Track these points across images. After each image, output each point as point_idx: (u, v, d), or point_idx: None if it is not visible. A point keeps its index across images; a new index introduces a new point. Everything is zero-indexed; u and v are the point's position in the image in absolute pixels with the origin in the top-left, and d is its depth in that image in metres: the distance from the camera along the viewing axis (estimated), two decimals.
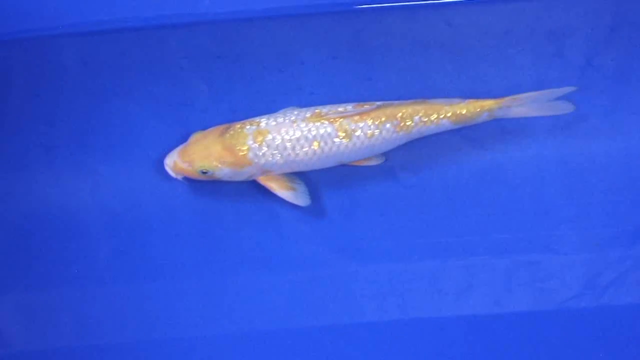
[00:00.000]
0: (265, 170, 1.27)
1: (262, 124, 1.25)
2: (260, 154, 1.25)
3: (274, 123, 1.25)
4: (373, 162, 1.31)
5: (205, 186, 1.32)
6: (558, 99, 1.29)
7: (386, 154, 1.31)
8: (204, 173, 1.26)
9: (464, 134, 1.34)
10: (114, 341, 1.32)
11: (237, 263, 1.35)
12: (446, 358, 1.32)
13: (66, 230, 1.32)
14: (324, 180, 1.35)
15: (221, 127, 1.27)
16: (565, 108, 1.29)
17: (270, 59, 1.35)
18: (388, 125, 1.26)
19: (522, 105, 1.28)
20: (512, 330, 1.33)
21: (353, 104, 1.27)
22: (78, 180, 1.35)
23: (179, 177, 1.28)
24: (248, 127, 1.25)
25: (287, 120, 1.25)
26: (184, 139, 1.30)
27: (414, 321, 1.33)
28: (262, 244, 1.35)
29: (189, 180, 1.29)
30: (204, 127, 1.30)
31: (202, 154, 1.25)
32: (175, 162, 1.27)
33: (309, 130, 1.25)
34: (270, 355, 1.32)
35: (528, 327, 1.33)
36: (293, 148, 1.25)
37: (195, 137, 1.28)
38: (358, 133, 1.25)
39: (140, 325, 1.33)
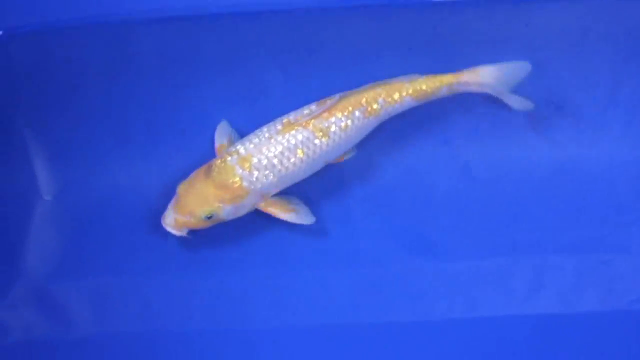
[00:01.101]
0: (264, 194, 1.26)
1: (242, 151, 1.24)
2: (254, 179, 1.24)
3: (252, 146, 1.24)
4: (348, 156, 1.31)
5: None
6: (524, 96, 1.29)
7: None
8: (209, 218, 1.25)
9: (538, 129, 1.33)
10: (179, 329, 1.31)
11: (305, 257, 1.34)
12: (514, 357, 1.30)
13: (136, 217, 1.31)
14: (396, 172, 1.33)
15: (202, 169, 1.25)
16: (525, 105, 1.30)
17: (343, 50, 1.33)
18: (357, 113, 1.27)
19: (481, 81, 1.28)
20: (581, 330, 1.32)
21: (315, 103, 1.27)
22: (149, 167, 1.34)
23: (184, 233, 1.26)
24: (229, 158, 1.24)
25: (263, 139, 1.25)
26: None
27: (482, 320, 1.32)
28: (331, 238, 1.33)
29: (194, 233, 1.27)
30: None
31: (198, 201, 1.24)
32: (176, 219, 1.25)
33: (288, 141, 1.24)
34: (338, 350, 1.31)
35: (597, 327, 1.32)
36: (281, 162, 1.24)
37: (182, 189, 1.25)
38: (333, 129, 1.26)
39: (204, 315, 1.33)
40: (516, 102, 1.29)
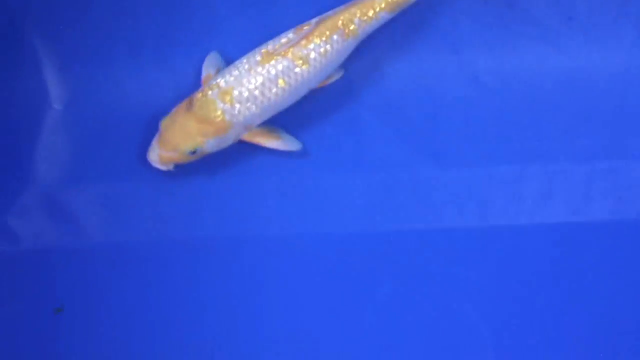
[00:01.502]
0: (247, 126, 1.26)
1: (222, 84, 1.23)
2: (236, 112, 1.24)
3: (232, 78, 1.24)
4: (335, 78, 1.31)
5: None
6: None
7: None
8: (193, 153, 1.24)
9: (548, 39, 1.33)
10: (189, 235, 1.31)
11: (317, 163, 1.34)
12: (524, 265, 1.31)
13: (146, 125, 1.31)
14: (405, 81, 1.33)
15: (184, 104, 1.25)
16: None
17: None
18: (335, 37, 1.26)
19: None
20: (590, 238, 1.32)
21: (291, 31, 1.26)
22: (161, 75, 1.34)
23: (170, 167, 1.26)
24: (210, 92, 1.24)
25: (242, 71, 1.24)
26: (269, 36, 1.28)
27: (492, 228, 1.32)
28: (341, 146, 1.33)
29: (180, 166, 1.27)
30: (292, 25, 1.27)
31: (182, 136, 1.23)
32: (160, 155, 1.25)
33: (268, 72, 1.24)
34: (345, 256, 1.31)
35: (606, 235, 1.32)
36: (262, 94, 1.24)
37: (165, 124, 1.25)
38: (313, 55, 1.25)
39: (215, 221, 1.33)
40: None
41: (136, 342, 1.26)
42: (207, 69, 1.31)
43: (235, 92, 1.23)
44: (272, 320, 1.29)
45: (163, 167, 1.26)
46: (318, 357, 1.28)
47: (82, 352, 1.26)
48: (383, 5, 1.27)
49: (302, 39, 1.24)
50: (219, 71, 1.29)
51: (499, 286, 1.30)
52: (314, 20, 1.26)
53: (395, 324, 1.28)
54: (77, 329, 1.26)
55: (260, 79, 1.23)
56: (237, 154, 1.33)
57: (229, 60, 1.30)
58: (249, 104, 1.23)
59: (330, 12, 1.27)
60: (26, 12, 1.36)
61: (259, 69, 1.24)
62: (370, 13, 1.27)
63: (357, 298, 1.29)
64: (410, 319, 1.28)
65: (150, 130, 1.31)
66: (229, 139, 1.26)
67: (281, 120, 1.30)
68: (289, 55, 1.24)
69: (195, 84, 1.32)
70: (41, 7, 1.35)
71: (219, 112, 1.22)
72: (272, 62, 1.24)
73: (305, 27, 1.26)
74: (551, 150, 1.33)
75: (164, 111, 1.29)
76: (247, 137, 1.27)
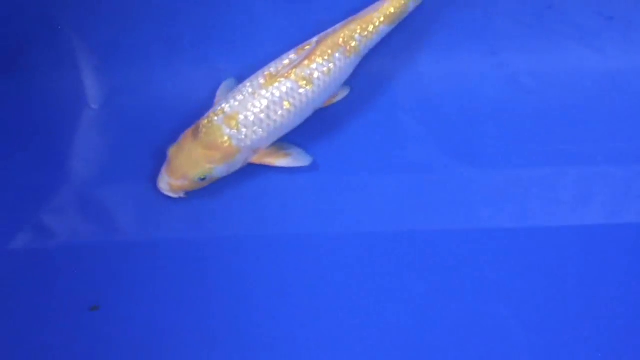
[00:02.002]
0: (255, 149, 1.25)
1: (227, 109, 1.23)
2: (243, 136, 1.23)
3: (237, 103, 1.23)
4: (341, 97, 1.31)
5: None
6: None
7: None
8: (203, 180, 1.24)
9: (587, 40, 1.31)
10: (225, 234, 1.31)
11: (353, 163, 1.34)
12: (560, 267, 1.29)
13: (182, 124, 1.31)
14: (443, 82, 1.32)
15: (190, 131, 1.24)
16: None
17: None
18: (337, 55, 1.26)
19: None
20: (627, 241, 1.30)
21: (293, 51, 1.26)
22: (197, 75, 1.34)
23: (181, 195, 1.26)
24: (216, 118, 1.23)
25: (247, 95, 1.23)
26: (305, 34, 1.28)
27: (528, 229, 1.31)
28: (377, 145, 1.32)
29: (190, 193, 1.27)
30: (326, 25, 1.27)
31: (190, 164, 1.23)
32: (170, 184, 1.24)
33: (272, 94, 1.23)
34: (380, 256, 1.30)
35: None
36: (268, 117, 1.23)
37: (173, 152, 1.24)
38: (316, 75, 1.25)
39: (250, 220, 1.33)
40: None
41: (170, 338, 1.26)
42: (221, 94, 1.30)
43: (241, 117, 1.22)
44: (301, 319, 1.28)
45: (174, 195, 1.25)
46: (350, 358, 1.27)
47: (117, 348, 1.26)
48: (382, 19, 1.27)
49: (304, 59, 1.24)
50: None
51: (533, 288, 1.29)
52: (314, 40, 1.26)
53: (428, 325, 1.27)
54: (111, 325, 1.26)
55: (265, 102, 1.23)
56: None
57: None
58: (255, 128, 1.23)
59: (330, 30, 1.27)
60: (64, 12, 1.37)
61: (263, 92, 1.23)
62: (371, 28, 1.27)
63: (391, 298, 1.28)
64: (444, 320, 1.28)
65: (185, 128, 1.30)
66: (237, 164, 1.25)
67: (315, 121, 1.28)
68: (292, 76, 1.24)
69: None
70: (79, 7, 1.36)
71: (225, 138, 1.22)
72: (276, 84, 1.23)
73: (307, 47, 1.25)
74: (589, 152, 1.31)
75: (200, 110, 1.29)
76: (256, 159, 1.27)
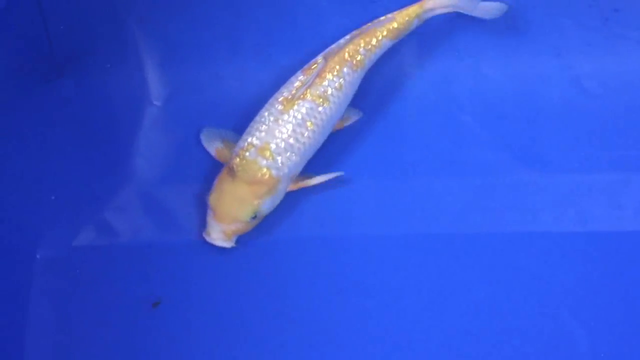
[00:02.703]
0: (292, 176, 1.25)
1: (256, 142, 1.22)
2: (280, 164, 1.22)
3: (263, 134, 1.23)
4: (354, 119, 1.32)
5: None
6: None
7: None
8: (254, 218, 1.22)
9: None
10: (289, 236, 1.31)
11: (416, 166, 1.34)
12: (623, 272, 1.29)
13: (246, 123, 1.30)
14: (506, 84, 1.32)
15: (224, 174, 1.23)
16: (499, 8, 1.31)
17: None
18: (346, 70, 1.26)
19: (446, 3, 1.30)
20: None
21: (300, 73, 1.26)
22: (261, 72, 1.34)
23: (233, 243, 1.24)
24: (247, 154, 1.22)
25: (270, 124, 1.23)
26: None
27: (590, 234, 1.30)
28: (440, 147, 1.32)
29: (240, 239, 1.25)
30: None
31: (237, 205, 1.22)
32: (223, 232, 1.22)
33: (295, 117, 1.23)
34: (442, 258, 1.30)
35: None
36: (297, 140, 1.23)
37: (214, 200, 1.23)
38: (330, 91, 1.25)
39: (310, 224, 1.32)
40: (490, 10, 1.31)
41: (228, 335, 1.26)
42: (211, 145, 1.29)
43: (272, 146, 1.22)
44: (368, 319, 1.28)
45: (227, 244, 1.23)
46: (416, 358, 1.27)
47: (179, 346, 1.26)
48: (385, 33, 1.28)
49: (315, 77, 1.24)
50: (225, 140, 1.28)
51: (596, 292, 1.28)
52: (319, 58, 1.26)
53: (490, 328, 1.27)
54: (173, 323, 1.26)
55: (290, 127, 1.23)
56: (332, 159, 1.33)
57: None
58: (288, 154, 1.23)
59: (334, 46, 1.27)
60: (129, 9, 1.37)
61: (285, 117, 1.23)
62: (374, 42, 1.27)
63: (452, 300, 1.28)
64: (505, 323, 1.27)
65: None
66: (280, 195, 1.24)
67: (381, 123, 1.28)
68: (308, 96, 1.24)
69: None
70: (144, 5, 1.36)
71: (264, 170, 1.21)
72: (295, 107, 1.23)
73: (314, 66, 1.26)
74: None
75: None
76: (293, 186, 1.26)
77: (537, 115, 1.33)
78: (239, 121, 1.32)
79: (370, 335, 1.26)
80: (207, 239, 1.23)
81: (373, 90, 1.36)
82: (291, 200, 1.30)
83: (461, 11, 1.31)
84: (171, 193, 1.32)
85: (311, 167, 1.29)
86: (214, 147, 1.28)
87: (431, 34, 1.37)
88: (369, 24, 1.29)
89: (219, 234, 1.22)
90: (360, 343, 1.26)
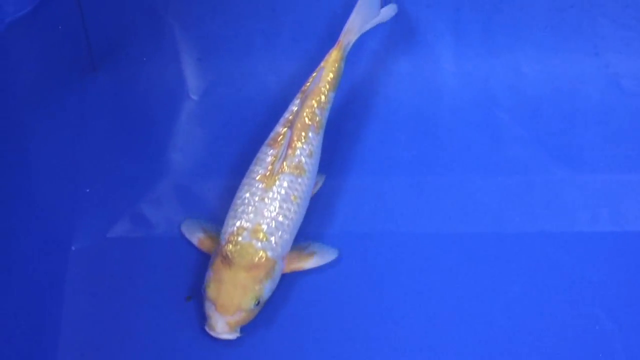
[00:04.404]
0: (284, 256, 1.21)
1: (246, 224, 1.17)
2: (274, 245, 1.18)
3: (252, 215, 1.19)
4: (320, 185, 1.30)
5: None
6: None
7: None
8: (257, 305, 1.17)
9: None
10: (323, 231, 1.29)
11: (451, 163, 1.34)
12: None
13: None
14: (542, 82, 1.31)
15: (218, 264, 1.17)
16: (392, 9, 1.33)
17: None
18: (311, 135, 1.24)
19: (357, 30, 1.29)
20: None
21: (268, 147, 1.24)
22: (297, 67, 1.34)
23: (238, 333, 1.18)
24: (240, 238, 1.18)
25: (256, 203, 1.19)
26: (407, 29, 1.29)
27: (626, 234, 1.30)
28: (476, 145, 1.32)
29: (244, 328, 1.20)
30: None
31: (239, 293, 1.16)
32: (227, 323, 1.15)
33: (279, 193, 1.20)
34: (476, 256, 1.29)
35: None
36: (285, 217, 1.19)
37: (213, 292, 1.16)
38: (304, 160, 1.22)
39: (348, 217, 1.32)
40: (387, 13, 1.33)
41: (263, 326, 1.26)
42: (193, 236, 1.26)
43: (264, 227, 1.17)
44: (400, 318, 1.27)
45: (232, 336, 1.17)
46: (445, 356, 1.26)
47: (211, 340, 1.26)
48: (328, 87, 1.27)
49: (287, 149, 1.21)
50: (205, 230, 1.25)
51: (632, 292, 1.27)
52: (281, 130, 1.24)
53: (524, 327, 1.26)
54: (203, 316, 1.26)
55: (277, 204, 1.19)
56: (366, 153, 1.33)
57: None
58: (280, 233, 1.19)
59: (287, 115, 1.25)
60: (166, 3, 1.37)
61: (270, 194, 1.20)
62: (323, 99, 1.26)
63: (486, 299, 1.27)
64: (540, 322, 1.26)
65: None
66: (277, 277, 1.20)
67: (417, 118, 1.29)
68: (286, 169, 1.21)
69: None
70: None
71: (261, 253, 1.16)
72: (277, 182, 1.20)
73: (280, 138, 1.23)
74: None
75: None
76: (286, 269, 1.22)
77: (574, 114, 1.33)
78: (276, 116, 1.31)
79: (402, 335, 1.25)
80: (212, 333, 1.17)
81: (409, 87, 1.36)
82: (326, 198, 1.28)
83: (372, 26, 1.31)
84: (206, 186, 1.32)
85: (343, 163, 1.30)
86: (196, 237, 1.25)
87: (468, 31, 1.37)
88: (308, 83, 1.27)
89: (224, 327, 1.15)
90: (392, 344, 1.25)
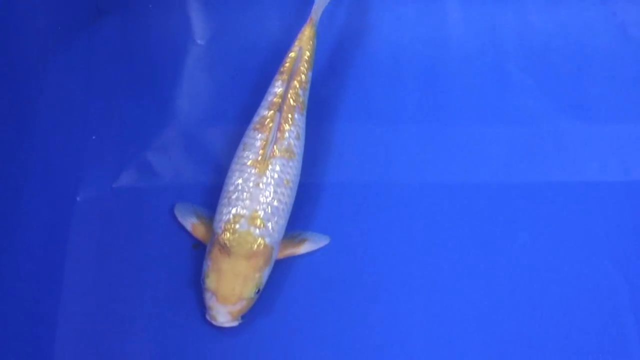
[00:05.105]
0: (279, 241, 1.19)
1: (243, 212, 1.15)
2: (271, 231, 1.16)
3: (248, 202, 1.16)
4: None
5: None
6: None
7: None
8: (257, 292, 1.14)
9: None
10: (332, 180, 1.29)
11: (459, 114, 1.33)
12: None
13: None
14: (549, 31, 1.31)
15: (216, 253, 1.14)
16: None
17: None
18: (297, 116, 1.23)
19: (323, 3, 1.29)
20: None
21: (255, 131, 1.22)
22: (304, 14, 1.32)
23: (240, 321, 1.15)
24: (237, 226, 1.15)
25: (251, 190, 1.17)
26: None
27: (634, 183, 1.31)
28: (485, 95, 1.31)
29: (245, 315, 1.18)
30: None
31: (240, 282, 1.13)
32: (230, 312, 1.13)
33: (272, 178, 1.18)
34: (483, 205, 1.30)
35: None
36: (280, 201, 1.18)
37: (213, 282, 1.14)
38: (293, 143, 1.21)
39: (353, 164, 1.31)
40: None
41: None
42: (187, 222, 1.23)
43: (261, 213, 1.15)
44: (408, 265, 1.27)
45: (235, 324, 1.14)
46: (452, 304, 1.26)
47: None
48: (307, 66, 1.26)
49: (277, 132, 1.19)
50: (199, 215, 1.23)
51: (639, 242, 1.28)
52: (268, 113, 1.22)
53: (532, 276, 1.26)
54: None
55: (271, 189, 1.17)
56: (380, 102, 1.31)
57: None
58: (276, 218, 1.17)
59: (270, 97, 1.24)
60: None
61: (264, 179, 1.17)
62: (304, 78, 1.25)
63: (493, 248, 1.27)
64: (546, 272, 1.26)
65: None
66: (273, 263, 1.18)
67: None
68: (277, 153, 1.19)
69: (335, 20, 1.32)
70: None
71: (259, 240, 1.14)
72: (270, 167, 1.18)
73: (267, 121, 1.21)
74: None
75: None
76: (280, 254, 1.20)
77: (582, 64, 1.33)
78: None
79: (409, 280, 1.25)
80: (214, 323, 1.13)
81: (415, 36, 1.34)
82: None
83: None
84: (213, 133, 1.31)
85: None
86: (190, 222, 1.22)
87: None
88: (285, 64, 1.25)
89: (226, 317, 1.13)
90: (400, 289, 1.25)
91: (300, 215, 1.24)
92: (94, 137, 1.28)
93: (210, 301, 1.13)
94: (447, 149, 1.32)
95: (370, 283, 1.21)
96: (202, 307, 1.15)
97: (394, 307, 1.19)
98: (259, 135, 1.19)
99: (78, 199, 1.25)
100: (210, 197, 1.26)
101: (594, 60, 1.33)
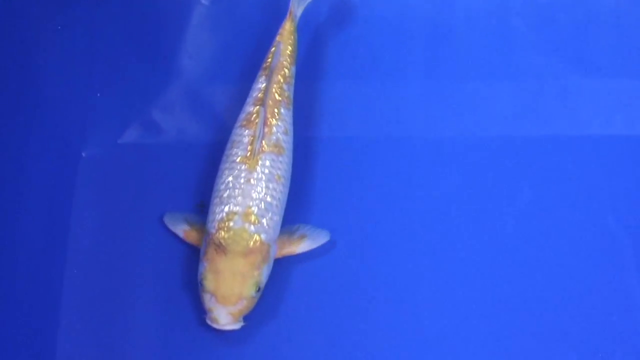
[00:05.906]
0: (275, 239, 1.16)
1: (237, 209, 1.13)
2: (266, 227, 1.14)
3: (240, 198, 1.14)
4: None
5: None
6: None
7: None
8: (257, 291, 1.12)
9: None
10: (337, 134, 1.30)
11: (462, 70, 1.33)
12: None
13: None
14: None
15: (212, 252, 1.12)
16: None
17: None
18: (283, 110, 1.21)
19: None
20: None
21: (242, 128, 1.20)
22: None
23: (242, 322, 1.11)
24: (232, 223, 1.13)
25: (243, 186, 1.15)
26: None
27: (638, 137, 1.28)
28: (490, 51, 1.31)
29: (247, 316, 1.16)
30: None
31: (239, 281, 1.11)
32: (231, 313, 1.10)
33: (263, 173, 1.15)
34: (488, 161, 1.29)
35: None
36: (272, 197, 1.15)
37: (211, 283, 1.11)
38: (281, 137, 1.19)
39: (361, 122, 1.32)
40: None
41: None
42: (178, 228, 1.22)
43: (254, 209, 1.13)
44: (406, 224, 1.27)
45: (236, 326, 1.11)
46: (454, 259, 1.26)
47: None
48: (289, 60, 1.24)
49: (264, 127, 1.18)
50: (188, 221, 1.21)
51: None
52: (252, 109, 1.21)
53: (536, 229, 1.25)
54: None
55: (263, 184, 1.15)
56: (386, 55, 1.32)
57: None
58: (270, 214, 1.15)
59: (254, 93, 1.22)
60: None
61: (255, 174, 1.15)
62: (287, 73, 1.23)
63: (497, 203, 1.27)
64: (550, 227, 1.26)
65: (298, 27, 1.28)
66: (271, 262, 1.16)
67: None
68: (266, 148, 1.17)
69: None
70: None
71: (255, 237, 1.12)
72: (260, 162, 1.16)
73: (253, 117, 1.19)
74: None
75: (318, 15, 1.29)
76: (278, 253, 1.18)
77: (587, 19, 1.32)
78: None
79: (417, 235, 1.25)
80: (215, 326, 1.11)
81: None
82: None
83: None
84: (217, 92, 1.32)
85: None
86: (181, 230, 1.21)
87: None
88: (268, 59, 1.24)
89: (228, 318, 1.10)
90: (408, 244, 1.25)
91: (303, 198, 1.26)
92: (98, 95, 1.30)
93: (210, 303, 1.10)
94: (452, 106, 1.32)
95: (375, 272, 1.22)
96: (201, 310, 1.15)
97: (397, 306, 1.21)
98: (246, 131, 1.18)
99: (83, 155, 1.26)
100: (213, 154, 1.27)
101: (599, 15, 1.32)
